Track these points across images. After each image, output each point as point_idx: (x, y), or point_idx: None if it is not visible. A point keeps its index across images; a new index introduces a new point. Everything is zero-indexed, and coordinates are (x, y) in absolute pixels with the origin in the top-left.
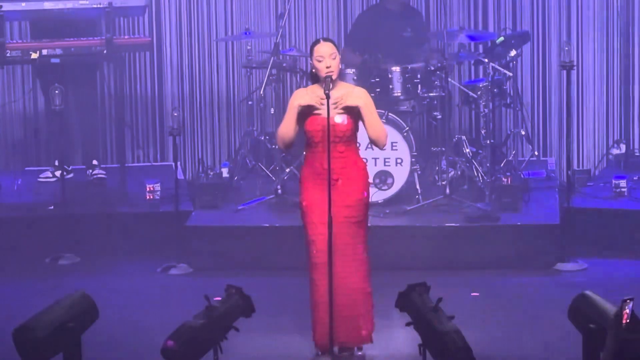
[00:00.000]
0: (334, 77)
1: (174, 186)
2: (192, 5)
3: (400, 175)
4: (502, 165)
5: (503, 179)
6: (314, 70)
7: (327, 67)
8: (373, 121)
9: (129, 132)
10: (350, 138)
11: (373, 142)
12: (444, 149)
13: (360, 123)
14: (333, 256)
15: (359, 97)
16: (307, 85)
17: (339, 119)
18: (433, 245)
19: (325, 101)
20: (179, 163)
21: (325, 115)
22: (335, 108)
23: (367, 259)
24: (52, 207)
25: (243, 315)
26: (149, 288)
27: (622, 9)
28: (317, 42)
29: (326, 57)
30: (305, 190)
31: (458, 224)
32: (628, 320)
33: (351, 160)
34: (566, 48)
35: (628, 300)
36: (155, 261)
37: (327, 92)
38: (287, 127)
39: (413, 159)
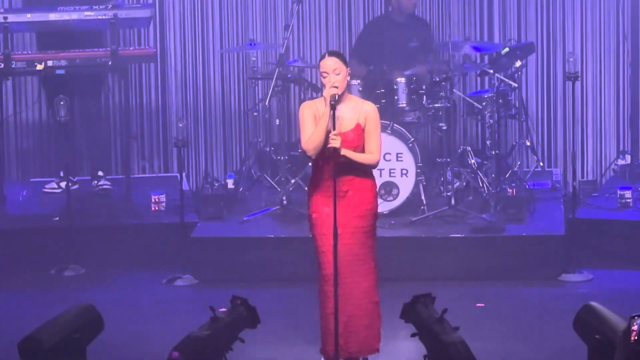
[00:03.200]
0: (339, 93)
1: (179, 197)
2: (197, 16)
3: (406, 186)
4: (507, 176)
5: (508, 189)
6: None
7: (331, 84)
8: (369, 144)
9: (134, 144)
10: (360, 150)
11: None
12: (449, 159)
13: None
14: (343, 267)
15: (367, 111)
16: (312, 96)
17: (350, 134)
18: (438, 256)
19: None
20: (184, 174)
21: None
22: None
23: (376, 269)
24: (58, 218)
25: (248, 326)
26: (154, 299)
27: (628, 19)
28: (322, 56)
29: (330, 72)
30: (314, 202)
31: (463, 235)
32: (637, 337)
33: (360, 171)
34: (571, 59)
35: (637, 317)
36: (160, 272)
37: (332, 102)
38: (321, 134)
39: (418, 170)
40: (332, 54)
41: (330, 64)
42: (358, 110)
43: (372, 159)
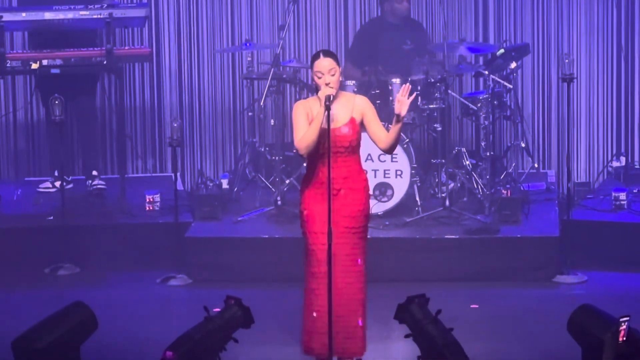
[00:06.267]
0: (334, 93)
1: (173, 197)
2: (192, 16)
3: (400, 187)
4: (501, 177)
5: (503, 191)
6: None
7: (326, 84)
8: (378, 131)
9: (129, 143)
10: (355, 148)
11: (387, 149)
12: (443, 161)
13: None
14: (333, 266)
15: (362, 105)
16: (307, 97)
17: (344, 129)
18: (432, 257)
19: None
20: (178, 174)
21: (330, 126)
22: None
23: (365, 270)
24: (52, 218)
25: (242, 326)
26: (148, 299)
27: (623, 21)
28: (317, 56)
29: (325, 73)
30: (307, 199)
31: (458, 236)
32: (624, 338)
33: (354, 170)
34: (566, 60)
35: (624, 318)
36: (154, 272)
37: (327, 103)
38: (314, 133)
39: (413, 171)
40: (327, 54)
41: (326, 64)
42: (350, 105)
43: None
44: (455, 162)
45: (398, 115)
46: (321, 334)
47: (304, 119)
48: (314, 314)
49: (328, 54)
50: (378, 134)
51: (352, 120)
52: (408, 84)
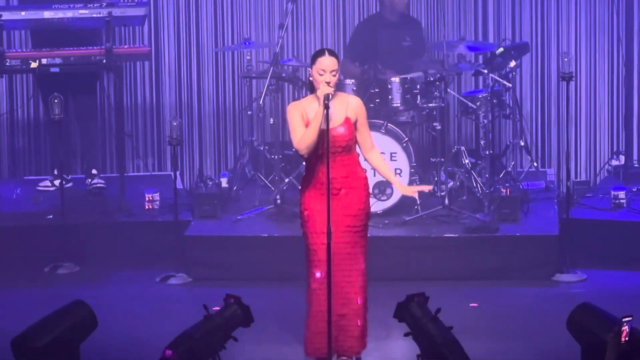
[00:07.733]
0: (332, 92)
1: (173, 196)
2: (191, 14)
3: None
4: (501, 176)
5: (502, 189)
6: (310, 79)
7: (327, 83)
8: (366, 139)
9: (129, 142)
10: (352, 147)
11: (367, 161)
12: (443, 159)
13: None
14: (334, 266)
15: (355, 106)
16: (305, 95)
17: (341, 129)
18: (432, 255)
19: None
20: (178, 173)
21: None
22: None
23: (366, 269)
24: (51, 216)
25: (242, 325)
26: (148, 297)
27: (622, 20)
28: (321, 53)
29: (327, 71)
30: (307, 199)
31: (457, 235)
32: (627, 338)
33: (353, 169)
34: (565, 59)
35: (627, 318)
36: (154, 271)
37: (326, 102)
38: (314, 133)
39: (412, 170)
40: (331, 53)
41: (330, 63)
42: (345, 105)
43: (381, 157)
44: (454, 161)
45: (404, 190)
46: (323, 334)
47: (300, 120)
48: (317, 314)
49: (333, 53)
50: (365, 141)
51: (347, 120)
52: (431, 186)
